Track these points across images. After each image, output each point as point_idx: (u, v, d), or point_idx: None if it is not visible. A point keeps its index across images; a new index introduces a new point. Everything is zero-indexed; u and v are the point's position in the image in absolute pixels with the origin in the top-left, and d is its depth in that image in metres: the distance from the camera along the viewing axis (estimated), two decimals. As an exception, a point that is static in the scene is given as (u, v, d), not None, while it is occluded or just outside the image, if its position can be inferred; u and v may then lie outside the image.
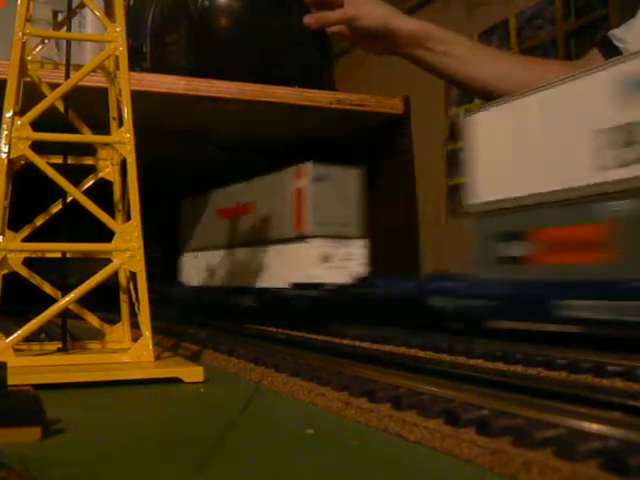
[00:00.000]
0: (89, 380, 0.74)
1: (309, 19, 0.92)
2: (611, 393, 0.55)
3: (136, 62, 1.45)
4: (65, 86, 0.86)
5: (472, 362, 0.80)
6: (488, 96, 0.98)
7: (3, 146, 0.81)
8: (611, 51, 0.86)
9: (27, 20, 0.84)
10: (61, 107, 0.90)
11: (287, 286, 1.21)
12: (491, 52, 0.96)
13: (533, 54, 1.30)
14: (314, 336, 1.10)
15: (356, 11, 0.89)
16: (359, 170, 1.17)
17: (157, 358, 0.83)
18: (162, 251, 2.04)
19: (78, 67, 0.90)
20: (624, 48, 0.86)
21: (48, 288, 0.90)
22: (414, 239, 1.57)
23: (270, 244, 1.28)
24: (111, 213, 0.89)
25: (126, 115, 0.86)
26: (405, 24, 0.91)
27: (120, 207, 0.93)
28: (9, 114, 0.81)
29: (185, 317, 1.55)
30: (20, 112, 0.83)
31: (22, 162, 0.84)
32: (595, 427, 0.44)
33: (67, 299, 0.82)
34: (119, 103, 0.89)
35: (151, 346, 0.83)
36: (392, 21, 0.90)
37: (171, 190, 2.05)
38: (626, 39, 0.86)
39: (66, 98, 0.90)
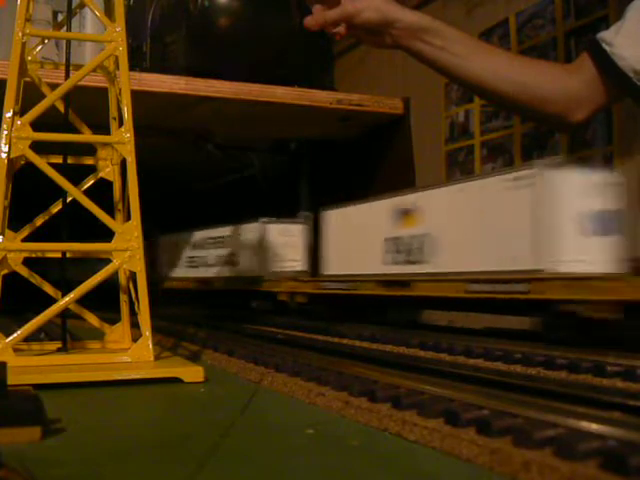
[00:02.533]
0: (89, 380, 0.74)
1: (309, 21, 0.92)
2: (611, 393, 0.56)
3: (136, 62, 1.45)
4: (65, 86, 0.86)
5: (472, 362, 0.80)
6: (484, 94, 0.98)
7: (3, 146, 0.81)
8: (599, 55, 0.86)
9: (27, 20, 0.84)
10: (61, 107, 0.90)
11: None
12: (489, 50, 0.95)
13: (533, 54, 1.30)
14: (314, 336, 1.10)
15: (354, 7, 0.89)
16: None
17: (157, 358, 0.83)
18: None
19: (78, 67, 0.90)
20: (611, 52, 0.85)
21: (48, 288, 0.90)
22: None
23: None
24: (111, 213, 0.89)
25: (126, 115, 0.85)
26: (404, 15, 0.90)
27: (120, 207, 0.93)
28: (9, 114, 0.81)
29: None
30: (20, 112, 0.83)
31: (22, 162, 0.84)
32: (594, 427, 0.44)
33: (67, 299, 0.82)
34: (119, 103, 0.88)
35: (151, 346, 0.83)
36: (391, 12, 0.90)
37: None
38: (613, 42, 0.85)
39: (66, 98, 0.90)
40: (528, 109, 0.94)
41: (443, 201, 1.06)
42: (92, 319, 0.93)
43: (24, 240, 0.87)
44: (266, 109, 1.51)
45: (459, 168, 1.50)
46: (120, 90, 0.87)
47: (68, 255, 0.89)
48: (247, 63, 1.49)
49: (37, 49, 0.92)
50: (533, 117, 1.07)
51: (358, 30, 0.92)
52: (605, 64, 0.87)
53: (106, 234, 0.86)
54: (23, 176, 0.85)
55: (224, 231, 1.77)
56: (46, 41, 0.94)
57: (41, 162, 0.82)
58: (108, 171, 0.94)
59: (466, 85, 0.99)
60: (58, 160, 0.89)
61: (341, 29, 0.92)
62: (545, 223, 0.88)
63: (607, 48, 0.86)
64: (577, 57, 0.92)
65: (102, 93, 0.93)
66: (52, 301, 0.84)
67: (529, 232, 0.89)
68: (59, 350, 0.88)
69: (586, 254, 0.88)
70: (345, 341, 1.04)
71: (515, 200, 0.93)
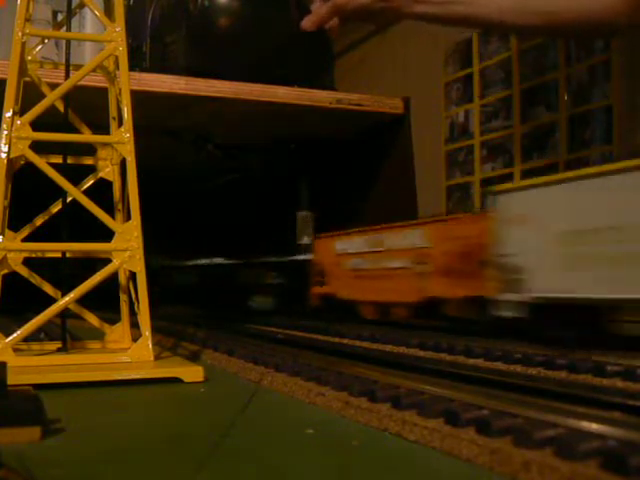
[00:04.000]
0: (89, 380, 0.74)
1: (305, 23, 0.91)
2: (611, 393, 0.56)
3: (136, 62, 1.45)
4: (65, 86, 0.86)
5: (472, 362, 0.80)
6: (516, 32, 0.94)
7: (3, 146, 0.81)
8: None
9: (27, 20, 0.84)
10: (61, 107, 0.90)
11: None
12: None
13: (534, 53, 1.30)
14: (314, 336, 1.10)
15: None
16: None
17: (157, 358, 0.83)
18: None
19: (78, 67, 0.90)
20: None
21: (48, 288, 0.90)
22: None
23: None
24: (111, 213, 0.89)
25: (126, 115, 0.86)
26: None
27: (120, 207, 0.93)
28: (9, 114, 0.81)
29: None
30: (20, 112, 0.83)
31: (22, 162, 0.84)
32: (595, 427, 0.44)
33: (67, 299, 0.82)
34: (119, 103, 0.88)
35: (151, 346, 0.83)
36: None
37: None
38: None
39: (66, 98, 0.90)
40: (569, 30, 0.88)
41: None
42: (92, 319, 0.93)
43: (24, 240, 0.87)
44: (266, 109, 1.50)
45: (459, 168, 1.50)
46: (120, 90, 0.87)
47: (68, 255, 0.89)
48: (247, 63, 1.49)
49: (37, 49, 0.92)
50: (577, 34, 1.01)
51: (355, 18, 0.91)
52: None
53: (106, 234, 0.86)
54: (23, 176, 0.85)
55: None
56: (46, 41, 0.95)
57: (41, 162, 0.82)
58: (108, 171, 0.94)
59: (491, 29, 0.95)
60: (58, 160, 0.89)
61: (334, 22, 0.90)
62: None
63: None
64: None
65: (102, 93, 0.93)
66: (52, 301, 0.84)
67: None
68: (59, 350, 0.88)
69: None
70: (345, 341, 1.04)
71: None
